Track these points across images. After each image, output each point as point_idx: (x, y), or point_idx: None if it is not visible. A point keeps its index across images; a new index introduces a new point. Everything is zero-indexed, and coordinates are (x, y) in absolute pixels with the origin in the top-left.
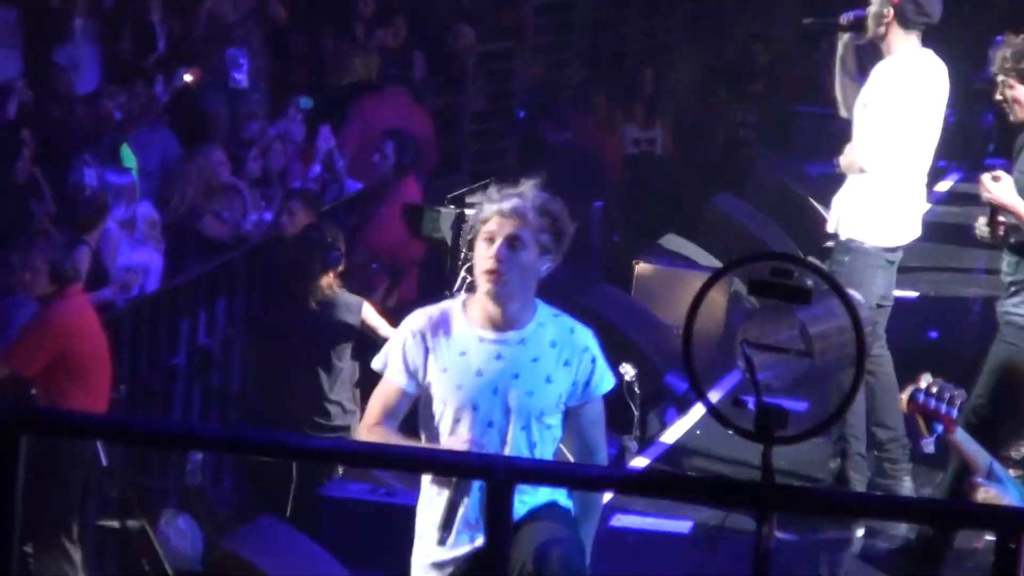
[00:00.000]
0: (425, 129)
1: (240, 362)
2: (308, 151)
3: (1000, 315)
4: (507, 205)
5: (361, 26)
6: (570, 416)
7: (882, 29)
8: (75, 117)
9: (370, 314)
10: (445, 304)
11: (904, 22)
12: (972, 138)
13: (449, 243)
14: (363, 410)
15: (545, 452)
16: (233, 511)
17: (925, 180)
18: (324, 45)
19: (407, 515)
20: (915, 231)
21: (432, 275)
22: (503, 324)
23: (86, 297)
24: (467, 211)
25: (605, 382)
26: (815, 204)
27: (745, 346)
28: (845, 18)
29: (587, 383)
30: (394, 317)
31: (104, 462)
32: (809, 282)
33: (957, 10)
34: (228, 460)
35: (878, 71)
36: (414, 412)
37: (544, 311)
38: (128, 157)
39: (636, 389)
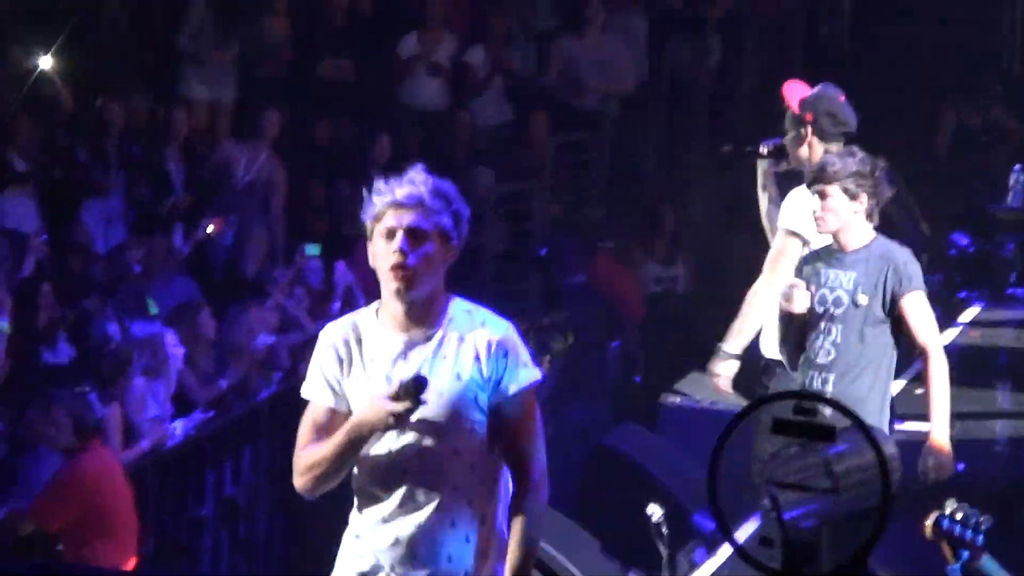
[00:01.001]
0: None
1: (267, 511)
2: (325, 291)
3: None
4: (400, 194)
5: (377, 171)
6: (492, 420)
7: (804, 150)
8: (95, 270)
9: None
10: (358, 312)
11: (823, 136)
12: (993, 267)
13: None
14: None
15: (469, 458)
16: None
17: None
18: (340, 191)
19: None
20: None
21: None
22: (412, 323)
23: (110, 450)
24: None
25: (520, 377)
26: None
27: (770, 485)
28: (765, 146)
29: (499, 380)
30: None
31: None
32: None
33: (975, 137)
34: None
35: (795, 194)
36: None
37: (458, 306)
38: (151, 306)
39: (664, 530)
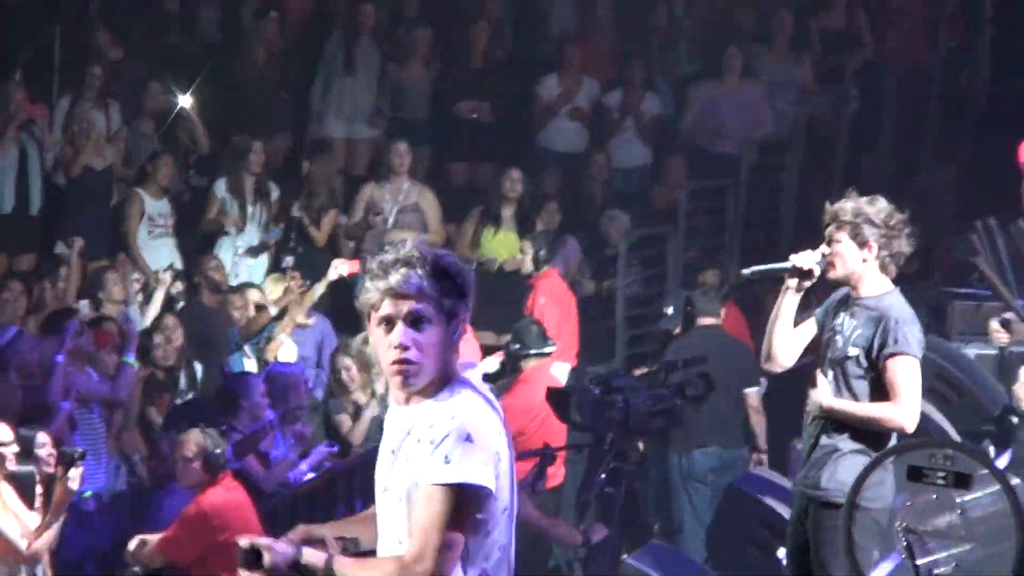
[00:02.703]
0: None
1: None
2: None
3: None
4: (396, 282)
5: (510, 208)
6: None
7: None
8: (228, 306)
9: None
10: None
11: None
12: None
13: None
14: None
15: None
16: None
17: None
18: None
19: None
20: None
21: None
22: (409, 399)
23: (240, 485)
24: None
25: (433, 472)
26: (973, 387)
27: (905, 532)
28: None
29: (420, 467)
30: (543, 502)
31: None
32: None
33: None
34: None
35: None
36: None
37: (457, 388)
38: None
39: None
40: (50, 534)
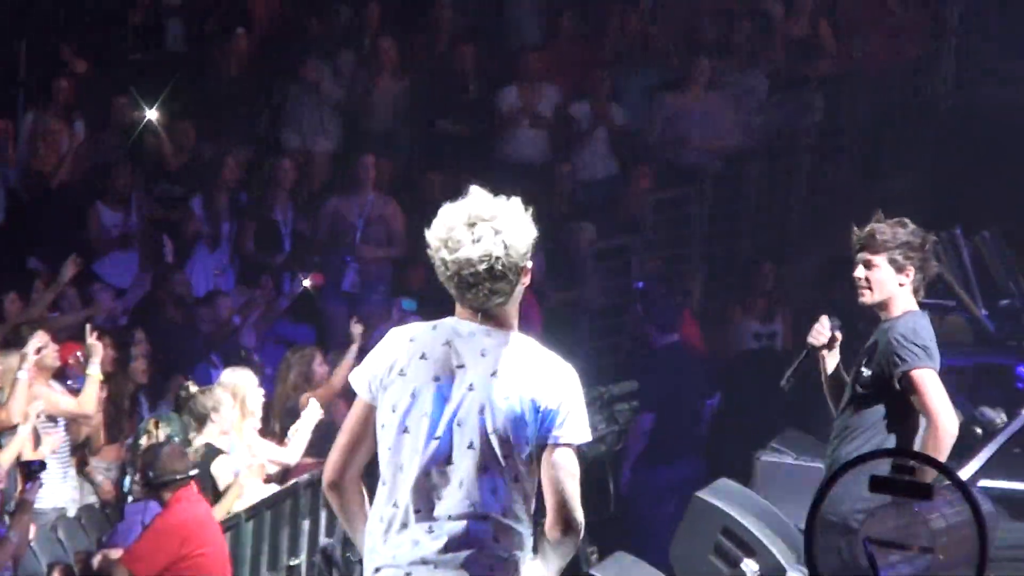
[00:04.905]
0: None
1: (361, 561)
2: None
3: None
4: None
5: None
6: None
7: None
8: (195, 320)
9: None
10: None
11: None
12: None
13: None
14: None
15: None
16: None
17: None
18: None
19: None
20: None
21: None
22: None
23: (204, 500)
24: None
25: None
26: None
27: (867, 542)
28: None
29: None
30: None
31: None
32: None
33: None
34: None
35: None
36: None
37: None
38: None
39: None
40: (9, 548)
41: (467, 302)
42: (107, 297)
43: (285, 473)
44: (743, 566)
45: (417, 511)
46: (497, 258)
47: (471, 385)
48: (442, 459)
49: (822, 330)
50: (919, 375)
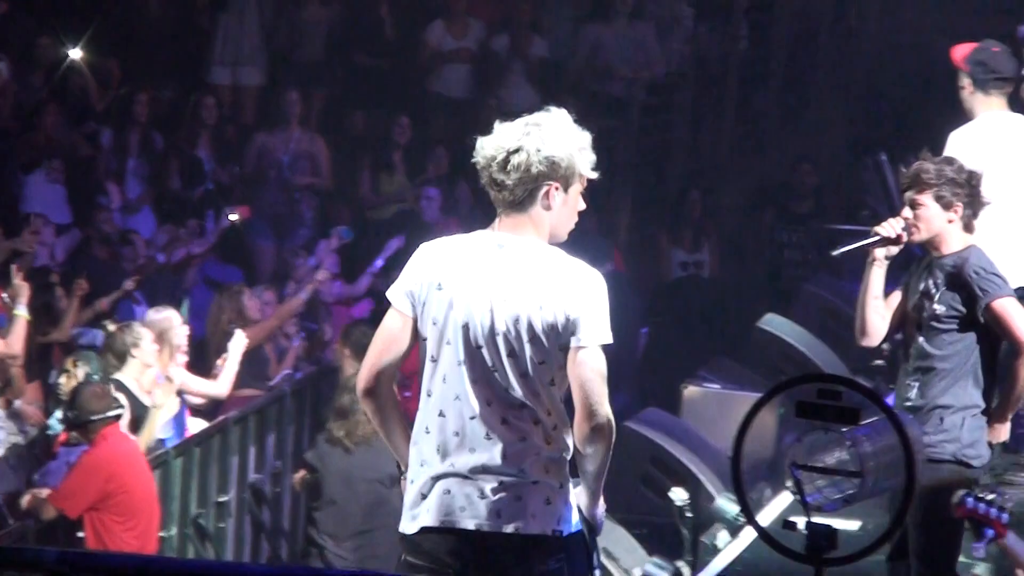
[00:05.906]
0: None
1: (290, 497)
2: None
3: None
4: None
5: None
6: None
7: (966, 101)
8: (120, 259)
9: None
10: None
11: (980, 85)
12: None
13: None
14: None
15: None
16: None
17: None
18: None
19: None
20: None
21: None
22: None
23: (129, 437)
24: None
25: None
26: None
27: (794, 468)
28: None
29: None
30: None
31: None
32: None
33: None
34: None
35: (954, 138)
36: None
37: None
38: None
39: (687, 513)
40: None
41: (498, 203)
42: (49, 232)
43: (216, 407)
44: (671, 494)
45: (471, 418)
46: (528, 152)
47: (505, 294)
48: (485, 368)
49: (895, 223)
50: (1003, 304)
